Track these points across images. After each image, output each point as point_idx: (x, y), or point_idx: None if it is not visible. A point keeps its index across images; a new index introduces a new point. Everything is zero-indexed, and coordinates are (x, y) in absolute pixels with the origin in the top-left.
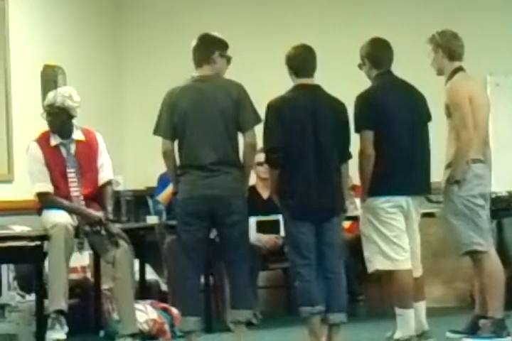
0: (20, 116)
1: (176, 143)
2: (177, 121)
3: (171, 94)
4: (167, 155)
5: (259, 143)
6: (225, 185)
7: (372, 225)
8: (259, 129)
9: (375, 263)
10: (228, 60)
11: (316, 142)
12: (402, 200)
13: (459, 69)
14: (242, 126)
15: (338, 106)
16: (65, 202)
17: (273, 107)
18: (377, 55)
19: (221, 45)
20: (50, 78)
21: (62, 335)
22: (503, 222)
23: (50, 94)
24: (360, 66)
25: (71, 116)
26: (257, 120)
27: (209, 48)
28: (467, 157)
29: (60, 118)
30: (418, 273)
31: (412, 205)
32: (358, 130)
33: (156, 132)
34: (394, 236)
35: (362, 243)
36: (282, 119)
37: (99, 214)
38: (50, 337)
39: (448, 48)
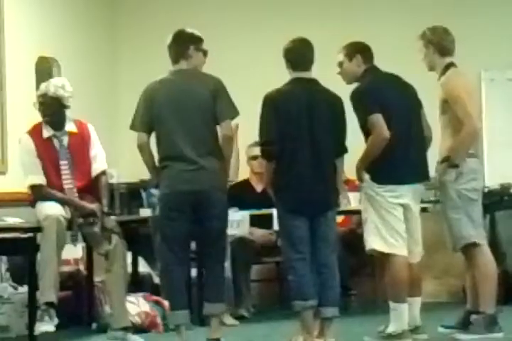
0: (14, 107)
1: (152, 136)
2: (154, 113)
3: (147, 88)
4: (143, 148)
5: (255, 137)
6: (205, 179)
7: (373, 207)
8: (251, 122)
9: (372, 242)
10: (205, 53)
11: (311, 135)
12: (403, 188)
13: (451, 64)
14: (218, 117)
15: (335, 100)
16: (58, 194)
17: (268, 100)
18: (368, 51)
19: (195, 40)
20: (44, 70)
21: (51, 327)
22: (495, 215)
23: (43, 85)
24: (340, 64)
25: (64, 106)
26: (234, 113)
27: (183, 44)
28: (471, 146)
29: (52, 108)
30: (417, 259)
31: (411, 193)
32: (363, 119)
33: (132, 127)
34: (392, 222)
35: (357, 237)
36: (277, 112)
37: (93, 206)
38: (38, 329)
39: (439, 44)
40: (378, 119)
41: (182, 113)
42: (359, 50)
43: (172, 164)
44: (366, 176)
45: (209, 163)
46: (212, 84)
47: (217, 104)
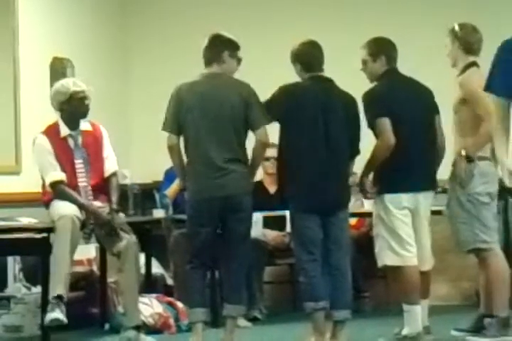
0: (28, 108)
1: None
2: (185, 115)
3: (180, 89)
4: (173, 149)
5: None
6: (235, 184)
7: (382, 221)
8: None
9: (384, 258)
10: (239, 60)
11: (326, 134)
12: (411, 196)
13: (473, 64)
14: (253, 125)
15: (350, 101)
16: (78, 198)
17: (284, 90)
18: (391, 51)
19: (231, 46)
20: (58, 70)
21: (62, 316)
22: (509, 217)
23: (69, 82)
24: (365, 62)
25: None
26: (267, 120)
27: (219, 48)
28: (486, 143)
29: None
30: (427, 266)
31: (420, 201)
32: (371, 122)
33: (164, 128)
34: (403, 233)
35: (370, 239)
36: (292, 105)
37: (108, 217)
38: (49, 317)
39: (465, 41)
40: (385, 124)
41: (212, 117)
42: (384, 51)
43: (200, 169)
44: (374, 190)
45: (237, 168)
46: (246, 91)
47: (250, 111)
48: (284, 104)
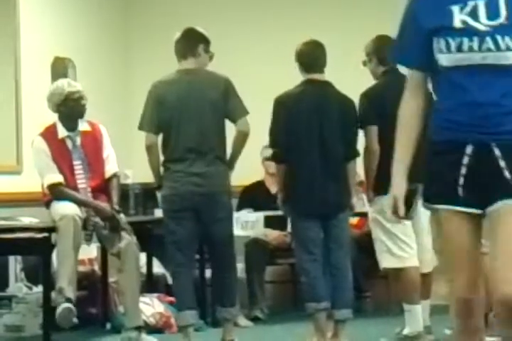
0: (29, 107)
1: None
2: (164, 114)
3: (156, 87)
4: (151, 149)
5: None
6: (212, 183)
7: (379, 223)
8: (266, 123)
9: (383, 261)
10: (211, 57)
11: (321, 137)
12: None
13: None
14: (233, 116)
15: (346, 103)
16: (78, 195)
17: (277, 103)
18: (384, 51)
19: (205, 40)
20: (60, 70)
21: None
22: None
23: (64, 84)
24: (364, 63)
25: None
26: (246, 111)
27: (194, 41)
28: None
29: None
30: (428, 268)
31: (418, 202)
32: (362, 126)
33: (141, 127)
34: (400, 234)
35: (372, 239)
36: (287, 115)
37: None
38: (61, 307)
39: None
40: (370, 132)
41: (193, 115)
42: (375, 51)
43: (179, 167)
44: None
45: (216, 166)
46: (223, 85)
47: (229, 103)
48: (284, 125)
